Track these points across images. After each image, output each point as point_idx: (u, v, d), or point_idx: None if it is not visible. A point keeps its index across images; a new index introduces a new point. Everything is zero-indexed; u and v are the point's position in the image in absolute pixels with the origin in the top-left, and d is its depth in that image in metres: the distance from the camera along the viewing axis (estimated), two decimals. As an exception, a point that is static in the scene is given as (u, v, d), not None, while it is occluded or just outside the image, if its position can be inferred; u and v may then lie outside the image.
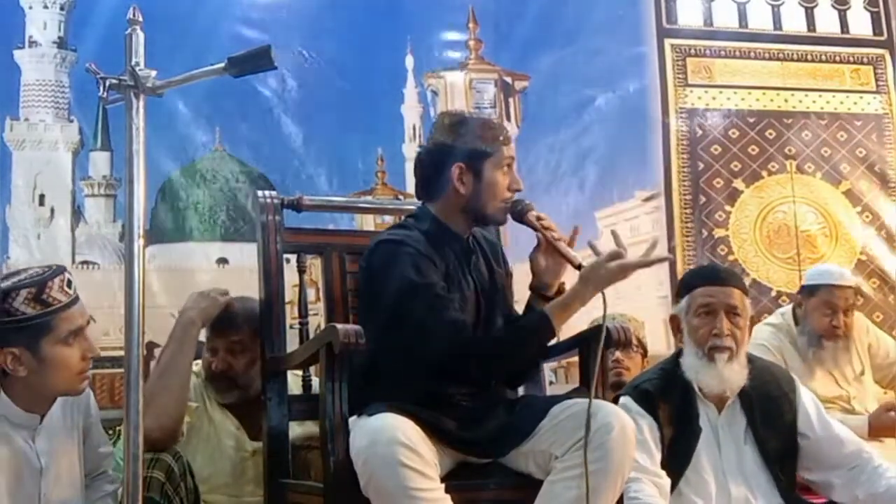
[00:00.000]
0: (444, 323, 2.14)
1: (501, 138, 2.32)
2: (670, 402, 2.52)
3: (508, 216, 2.33)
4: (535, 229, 2.30)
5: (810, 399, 2.63)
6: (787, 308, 3.56)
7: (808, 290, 3.44)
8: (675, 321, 2.63)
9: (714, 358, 2.48)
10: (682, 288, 2.66)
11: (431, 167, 2.33)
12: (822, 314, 3.36)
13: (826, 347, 3.35)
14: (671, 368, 2.58)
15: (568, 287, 2.27)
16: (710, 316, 2.51)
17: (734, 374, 2.49)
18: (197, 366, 2.79)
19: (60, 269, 2.16)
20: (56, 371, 2.12)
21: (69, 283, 2.15)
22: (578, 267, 2.21)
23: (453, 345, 2.13)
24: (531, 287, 2.37)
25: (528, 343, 2.23)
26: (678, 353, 2.61)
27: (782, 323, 3.48)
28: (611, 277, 2.15)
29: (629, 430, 2.09)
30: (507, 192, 2.30)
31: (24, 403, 2.14)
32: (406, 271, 2.18)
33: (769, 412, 2.54)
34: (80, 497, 2.27)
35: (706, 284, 2.56)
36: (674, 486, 2.44)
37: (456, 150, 2.29)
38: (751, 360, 2.59)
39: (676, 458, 2.46)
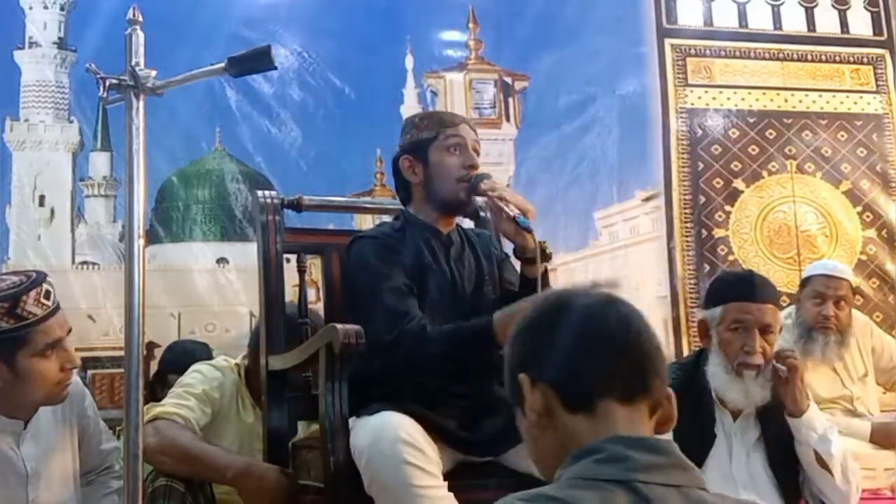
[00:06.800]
0: (392, 313, 2.14)
1: (443, 121, 2.37)
2: (688, 404, 2.47)
3: (473, 196, 2.33)
4: (486, 196, 2.31)
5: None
6: (792, 309, 3.53)
7: (802, 283, 3.49)
8: (703, 326, 2.57)
9: (742, 374, 2.45)
10: (715, 295, 2.59)
11: (393, 170, 2.43)
12: (812, 304, 3.37)
13: (816, 340, 3.33)
14: (691, 370, 2.55)
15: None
16: (743, 332, 2.46)
17: (759, 391, 2.46)
18: (231, 364, 2.77)
19: (39, 279, 2.10)
20: (33, 383, 2.09)
21: (47, 295, 2.09)
22: (513, 220, 2.20)
23: (401, 335, 2.12)
24: (514, 255, 2.36)
25: (466, 347, 2.13)
26: (699, 354, 2.59)
27: (785, 323, 3.47)
28: None
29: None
30: (461, 171, 2.31)
31: (4, 411, 2.13)
32: (374, 262, 2.24)
33: (782, 422, 2.51)
34: (75, 498, 2.26)
35: (742, 300, 2.49)
36: None
37: (404, 147, 2.39)
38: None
39: None
